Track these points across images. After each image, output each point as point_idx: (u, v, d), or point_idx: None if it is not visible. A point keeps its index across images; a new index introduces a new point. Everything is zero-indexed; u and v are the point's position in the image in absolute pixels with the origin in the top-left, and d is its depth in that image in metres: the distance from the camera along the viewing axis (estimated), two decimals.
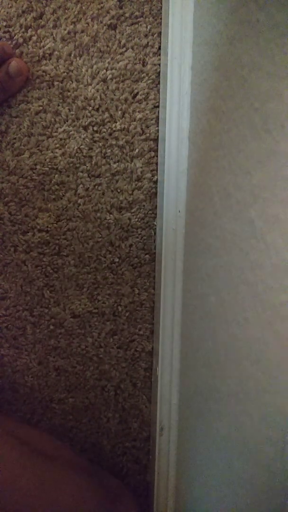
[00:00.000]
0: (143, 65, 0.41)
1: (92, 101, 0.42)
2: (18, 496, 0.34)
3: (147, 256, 0.44)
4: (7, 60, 0.40)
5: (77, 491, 0.37)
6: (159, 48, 0.41)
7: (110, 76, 0.41)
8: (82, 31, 0.41)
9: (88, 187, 0.43)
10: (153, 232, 0.44)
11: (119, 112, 0.42)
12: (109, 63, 0.41)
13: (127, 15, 0.41)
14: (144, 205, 0.43)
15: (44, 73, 0.41)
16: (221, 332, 0.31)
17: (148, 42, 0.41)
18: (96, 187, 0.43)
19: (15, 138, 0.43)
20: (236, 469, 0.28)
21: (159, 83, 0.41)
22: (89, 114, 0.42)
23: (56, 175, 0.43)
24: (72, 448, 0.47)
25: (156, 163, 0.43)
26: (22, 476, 0.34)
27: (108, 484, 0.42)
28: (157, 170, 0.43)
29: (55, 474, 0.37)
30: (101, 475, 0.43)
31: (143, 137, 0.42)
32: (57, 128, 0.42)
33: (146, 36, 0.41)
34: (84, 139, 0.42)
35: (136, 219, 0.44)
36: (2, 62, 0.41)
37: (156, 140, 0.42)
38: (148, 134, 0.42)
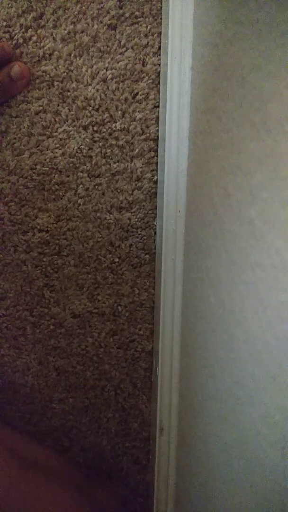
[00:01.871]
0: (143, 65, 0.41)
1: (92, 101, 0.42)
2: (7, 508, 0.33)
3: (147, 256, 0.44)
4: (8, 62, 0.41)
5: (66, 505, 0.37)
6: (159, 48, 0.41)
7: (110, 76, 0.41)
8: (82, 31, 0.41)
9: (88, 187, 0.43)
10: (153, 232, 0.44)
11: (119, 112, 0.42)
12: (109, 63, 0.41)
13: (127, 15, 0.41)
14: (144, 205, 0.43)
15: (44, 73, 0.41)
16: (221, 332, 0.31)
17: (148, 42, 0.41)
18: (96, 187, 0.43)
19: (15, 138, 0.43)
20: (236, 469, 0.28)
21: (159, 83, 0.41)
22: (89, 114, 0.42)
23: (56, 175, 0.43)
24: (66, 457, 0.46)
25: (156, 163, 0.43)
26: (11, 488, 0.34)
27: (98, 498, 0.42)
28: (157, 170, 0.43)
29: (49, 490, 0.36)
30: (93, 489, 0.43)
31: (143, 137, 0.42)
32: (57, 128, 0.42)
33: (146, 36, 0.41)
34: (84, 139, 0.42)
35: (136, 219, 0.44)
36: (3, 62, 0.41)
37: (156, 140, 0.42)
38: (148, 134, 0.42)
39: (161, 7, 0.40)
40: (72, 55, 0.41)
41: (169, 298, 0.42)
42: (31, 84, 0.42)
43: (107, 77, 0.41)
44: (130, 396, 0.46)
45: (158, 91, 0.41)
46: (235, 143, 0.28)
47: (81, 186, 0.43)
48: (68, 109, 0.42)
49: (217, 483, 0.32)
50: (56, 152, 0.43)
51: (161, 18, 0.41)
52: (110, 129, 0.42)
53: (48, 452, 0.44)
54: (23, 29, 0.41)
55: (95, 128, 0.42)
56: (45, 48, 0.41)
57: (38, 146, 0.43)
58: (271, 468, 0.24)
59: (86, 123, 0.42)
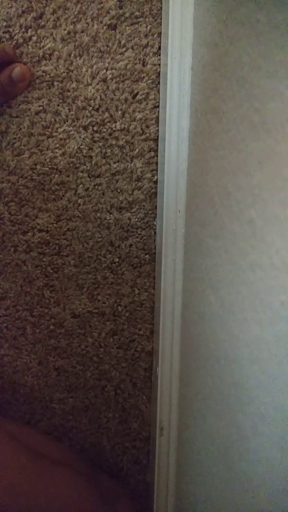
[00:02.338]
0: (143, 65, 0.41)
1: (92, 101, 0.42)
2: (20, 499, 0.34)
3: (147, 256, 0.44)
4: (9, 63, 0.41)
5: (77, 494, 0.37)
6: (159, 48, 0.41)
7: (110, 76, 0.41)
8: (82, 31, 0.41)
9: (88, 187, 0.43)
10: (153, 232, 0.44)
11: (119, 112, 0.42)
12: (109, 63, 0.41)
13: (127, 15, 0.41)
14: (144, 205, 0.43)
15: (44, 73, 0.41)
16: (221, 332, 0.31)
17: (148, 42, 0.41)
18: (96, 187, 0.43)
19: (15, 138, 0.43)
20: (236, 469, 0.28)
21: (159, 83, 0.41)
22: (89, 114, 0.42)
23: (56, 175, 0.43)
24: (72, 449, 0.47)
25: (156, 163, 0.43)
26: (24, 479, 0.34)
27: (107, 486, 0.42)
28: (157, 170, 0.43)
29: (57, 477, 0.37)
30: (100, 477, 0.43)
31: (143, 137, 0.42)
32: (57, 128, 0.42)
33: (146, 36, 0.41)
34: (84, 139, 0.42)
35: (136, 219, 0.44)
36: (3, 63, 0.41)
37: (156, 140, 0.42)
38: (148, 134, 0.42)
39: (161, 7, 0.40)
40: (72, 55, 0.41)
41: (169, 298, 0.42)
42: (31, 84, 0.42)
43: (107, 77, 0.41)
44: (130, 396, 0.46)
45: (158, 91, 0.41)
46: (235, 143, 0.28)
47: (81, 186, 0.43)
48: (68, 109, 0.42)
49: (217, 483, 0.32)
50: (56, 152, 0.43)
51: (161, 18, 0.41)
52: (110, 129, 0.42)
53: (57, 444, 0.44)
54: (23, 29, 0.41)
55: (95, 128, 0.42)
56: (45, 48, 0.41)
57: (38, 146, 0.43)
58: (271, 468, 0.24)
59: (86, 123, 0.42)
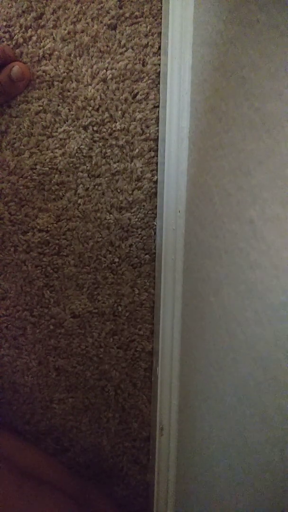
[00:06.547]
0: (143, 65, 0.41)
1: (92, 101, 0.42)
2: None
3: (147, 256, 0.44)
4: (8, 63, 0.40)
5: None
6: (159, 48, 0.41)
7: (110, 76, 0.41)
8: (82, 31, 0.41)
9: (88, 187, 0.43)
10: (153, 232, 0.44)
11: (119, 112, 0.42)
12: (109, 63, 0.41)
13: (127, 15, 0.41)
14: (144, 205, 0.43)
15: (44, 73, 0.41)
16: (221, 332, 0.31)
17: (148, 42, 0.41)
18: (96, 187, 0.43)
19: (15, 138, 0.43)
20: (236, 469, 0.28)
21: (159, 83, 0.41)
22: (89, 114, 0.42)
23: (56, 175, 0.43)
24: (62, 464, 0.45)
25: (156, 163, 0.43)
26: (1, 500, 0.33)
27: (96, 507, 0.41)
28: (157, 170, 0.43)
29: (40, 498, 0.35)
30: (89, 498, 0.42)
31: (143, 137, 0.42)
32: (57, 128, 0.42)
33: (146, 36, 0.41)
34: (84, 139, 0.42)
35: (136, 219, 0.44)
36: (3, 64, 0.41)
37: (156, 140, 0.42)
38: (148, 134, 0.42)
39: (161, 7, 0.40)
40: (72, 55, 0.41)
41: (169, 298, 0.42)
42: (31, 84, 0.42)
43: (107, 77, 0.41)
44: (130, 396, 0.46)
45: (158, 91, 0.41)
46: (235, 143, 0.28)
47: (81, 186, 0.43)
48: (68, 109, 0.42)
49: (217, 483, 0.32)
50: (56, 152, 0.43)
51: (161, 18, 0.41)
52: (110, 129, 0.42)
53: (49, 461, 0.42)
54: (23, 29, 0.41)
55: (95, 128, 0.42)
56: (45, 48, 0.41)
57: (38, 146, 0.43)
58: (271, 468, 0.24)
59: (86, 123, 0.42)
